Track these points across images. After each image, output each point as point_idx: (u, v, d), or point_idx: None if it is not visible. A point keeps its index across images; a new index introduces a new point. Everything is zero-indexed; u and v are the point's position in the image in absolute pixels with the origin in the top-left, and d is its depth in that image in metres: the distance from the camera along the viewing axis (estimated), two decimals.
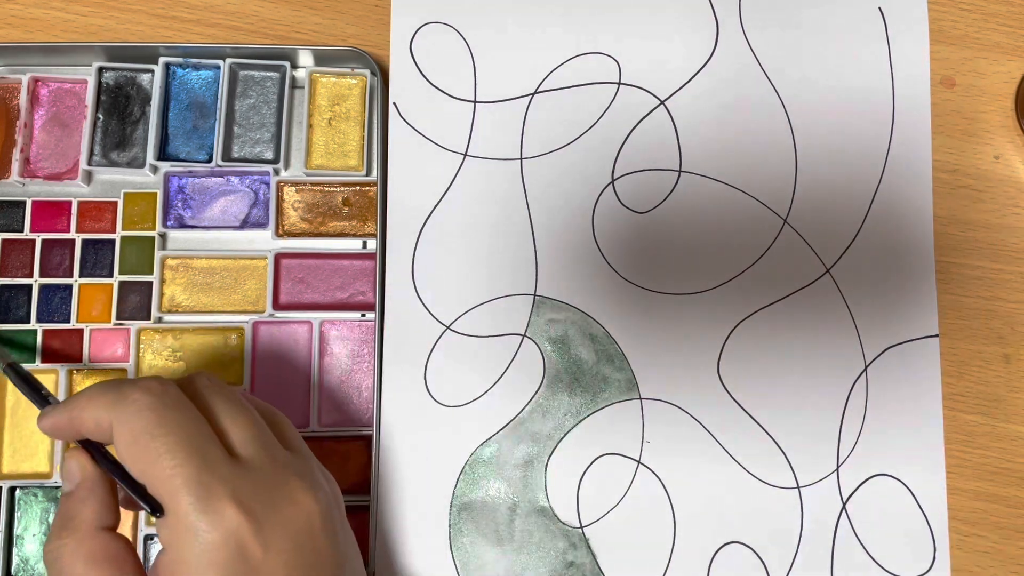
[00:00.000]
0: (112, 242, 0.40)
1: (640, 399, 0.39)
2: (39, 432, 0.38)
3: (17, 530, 0.38)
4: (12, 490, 0.38)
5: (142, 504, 0.28)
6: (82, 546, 0.29)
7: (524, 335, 0.39)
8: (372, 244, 0.40)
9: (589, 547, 0.38)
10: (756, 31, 0.42)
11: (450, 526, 0.38)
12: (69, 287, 0.39)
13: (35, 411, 0.38)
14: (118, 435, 0.28)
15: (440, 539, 0.38)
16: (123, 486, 0.29)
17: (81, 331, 0.39)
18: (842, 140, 0.41)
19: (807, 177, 0.41)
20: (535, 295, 0.40)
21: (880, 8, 0.42)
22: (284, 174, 0.40)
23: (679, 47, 0.42)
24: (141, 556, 0.37)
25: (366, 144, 0.41)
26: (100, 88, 0.40)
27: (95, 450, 0.30)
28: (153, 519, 0.28)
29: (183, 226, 0.40)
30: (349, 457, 0.39)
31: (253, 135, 0.41)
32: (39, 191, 0.40)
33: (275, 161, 0.40)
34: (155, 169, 0.40)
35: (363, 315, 0.40)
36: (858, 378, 0.39)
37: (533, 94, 0.41)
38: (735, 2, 0.42)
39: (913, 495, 0.39)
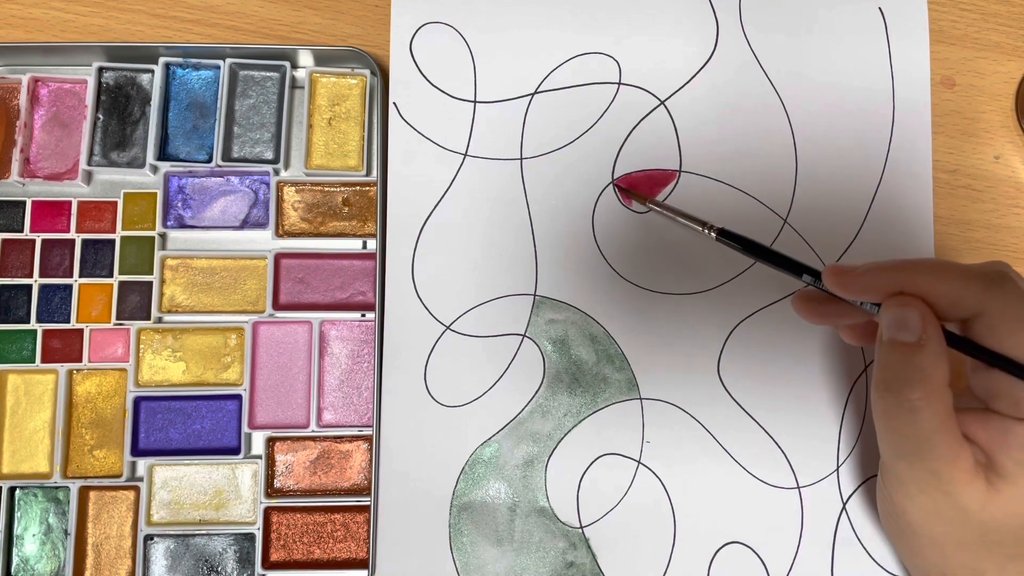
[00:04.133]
0: (112, 242, 0.40)
1: (640, 399, 0.39)
2: (39, 432, 0.38)
3: (17, 530, 0.38)
4: (12, 490, 0.38)
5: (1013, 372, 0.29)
6: (940, 402, 0.29)
7: (524, 335, 0.39)
8: (372, 244, 0.40)
9: (589, 547, 0.38)
10: (756, 31, 0.42)
11: (450, 526, 0.38)
12: (69, 287, 0.39)
13: (34, 412, 0.39)
14: (999, 320, 0.29)
15: (440, 539, 0.38)
16: (982, 359, 0.30)
17: (81, 331, 0.39)
18: (842, 140, 0.41)
19: (807, 177, 0.41)
20: (535, 295, 0.40)
21: (880, 8, 0.42)
22: (284, 174, 0.40)
23: (679, 47, 0.42)
24: (140, 556, 0.37)
25: (366, 144, 0.41)
26: (100, 88, 0.40)
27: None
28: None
29: (183, 226, 0.40)
30: (349, 457, 0.39)
31: (253, 135, 0.41)
32: (39, 191, 0.40)
33: (275, 161, 0.40)
34: (155, 169, 0.40)
35: (363, 315, 0.40)
36: (858, 378, 0.39)
37: (533, 94, 0.41)
38: (735, 2, 0.42)
39: None
